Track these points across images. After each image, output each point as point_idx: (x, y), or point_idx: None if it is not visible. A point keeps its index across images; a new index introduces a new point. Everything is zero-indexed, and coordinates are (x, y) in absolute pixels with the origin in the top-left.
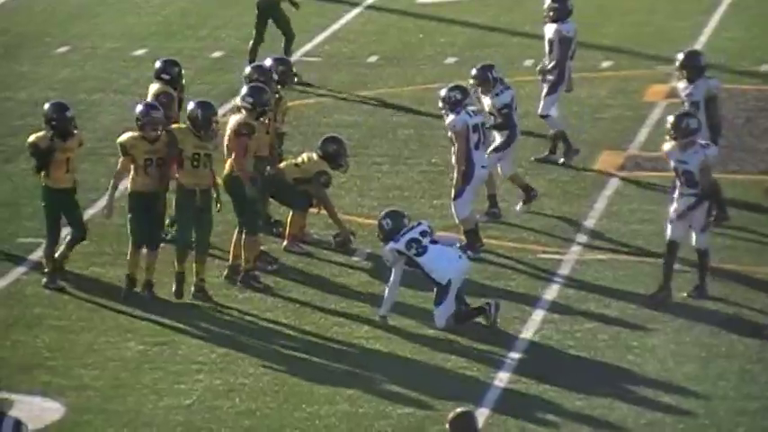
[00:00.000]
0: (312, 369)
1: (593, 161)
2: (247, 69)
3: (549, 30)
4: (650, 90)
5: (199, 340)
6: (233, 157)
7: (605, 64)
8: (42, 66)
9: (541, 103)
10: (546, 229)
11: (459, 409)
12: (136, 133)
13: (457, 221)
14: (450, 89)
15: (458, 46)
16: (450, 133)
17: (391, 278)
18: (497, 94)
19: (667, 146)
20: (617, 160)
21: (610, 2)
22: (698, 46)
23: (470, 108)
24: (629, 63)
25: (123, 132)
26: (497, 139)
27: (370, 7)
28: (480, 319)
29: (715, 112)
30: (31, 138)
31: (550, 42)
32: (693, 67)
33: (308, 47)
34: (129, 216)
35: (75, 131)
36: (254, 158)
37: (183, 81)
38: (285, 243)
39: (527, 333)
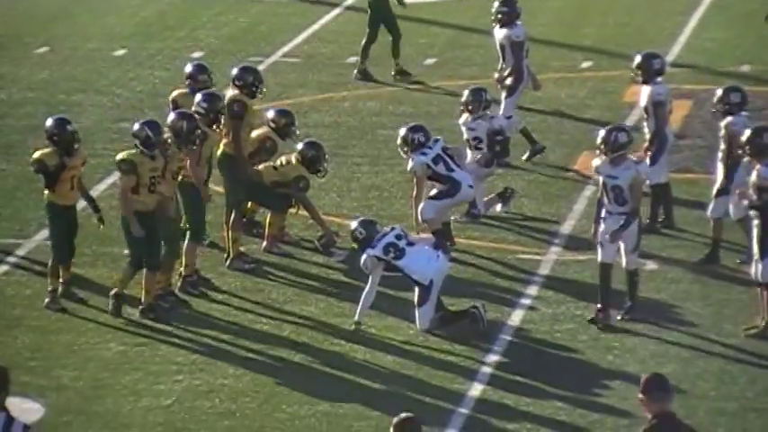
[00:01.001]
0: (292, 370)
1: (572, 162)
2: (235, 70)
3: (499, 34)
4: (630, 90)
5: (178, 341)
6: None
7: (585, 64)
8: (22, 67)
9: (502, 105)
10: (525, 229)
11: (403, 415)
12: (134, 150)
13: (420, 220)
14: (413, 130)
15: (437, 47)
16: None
17: (368, 284)
18: (492, 118)
19: (597, 161)
20: None
21: (589, 2)
22: (678, 46)
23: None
24: (609, 64)
25: (103, 133)
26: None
27: (350, 8)
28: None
29: (658, 119)
30: (37, 154)
31: (502, 47)
32: (647, 70)
33: (287, 47)
34: (131, 237)
35: (77, 146)
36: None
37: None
38: (264, 244)
39: (506, 333)
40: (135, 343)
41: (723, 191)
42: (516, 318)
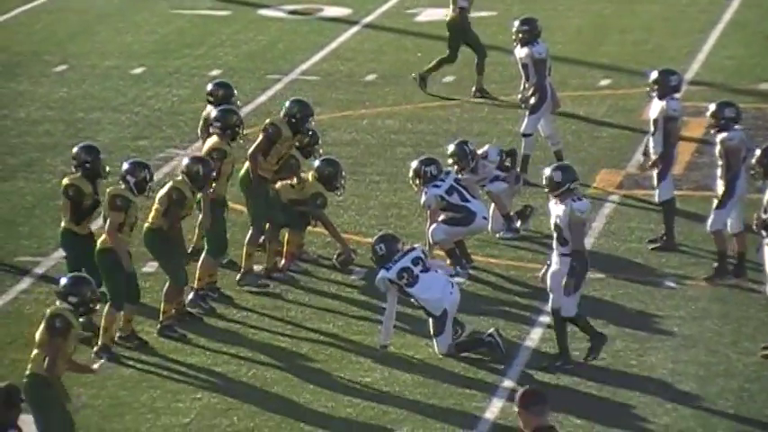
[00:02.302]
0: (310, 388)
1: (591, 180)
2: (287, 103)
3: (521, 53)
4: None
5: (197, 359)
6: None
7: (603, 82)
8: (40, 84)
9: (524, 122)
10: (544, 247)
11: None
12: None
13: (432, 242)
14: (425, 163)
15: (456, 64)
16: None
17: (387, 307)
18: (485, 157)
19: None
20: (615, 179)
21: (608, 20)
22: (696, 64)
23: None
24: (628, 81)
25: (122, 151)
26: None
27: (368, 26)
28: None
29: (668, 135)
30: (68, 180)
31: (524, 66)
32: (663, 85)
33: (305, 65)
34: (117, 276)
35: (104, 176)
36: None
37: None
38: (283, 262)
39: (525, 352)
40: (153, 361)
41: (721, 204)
42: (535, 336)
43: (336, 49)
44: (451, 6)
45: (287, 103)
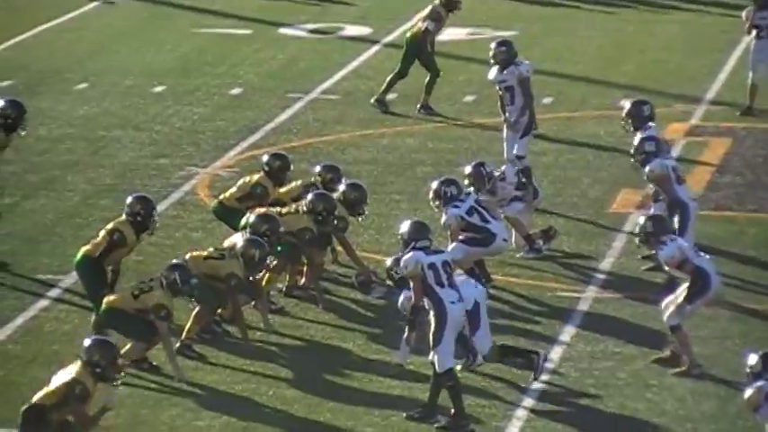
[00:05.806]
0: (330, 406)
1: (611, 199)
2: (318, 168)
3: (502, 75)
4: (669, 128)
5: (217, 377)
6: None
7: (624, 102)
8: (62, 102)
9: (516, 144)
10: (564, 267)
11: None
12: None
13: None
14: (445, 184)
15: (476, 84)
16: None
17: (407, 327)
18: (503, 179)
19: None
20: (635, 198)
21: (628, 40)
22: (717, 84)
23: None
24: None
25: (142, 169)
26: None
27: (388, 45)
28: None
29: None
30: (115, 224)
31: (508, 88)
32: (637, 117)
33: (326, 84)
34: (133, 327)
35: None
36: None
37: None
38: (303, 280)
39: (545, 371)
40: (174, 378)
41: (681, 234)
42: (555, 355)
43: (357, 67)
44: (419, 23)
45: (266, 161)
